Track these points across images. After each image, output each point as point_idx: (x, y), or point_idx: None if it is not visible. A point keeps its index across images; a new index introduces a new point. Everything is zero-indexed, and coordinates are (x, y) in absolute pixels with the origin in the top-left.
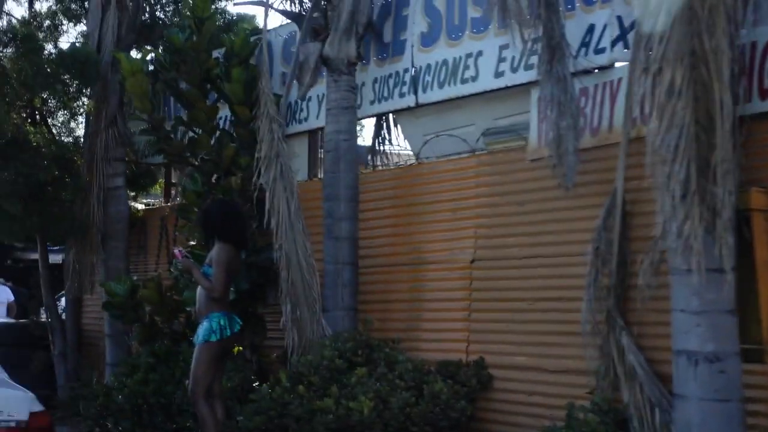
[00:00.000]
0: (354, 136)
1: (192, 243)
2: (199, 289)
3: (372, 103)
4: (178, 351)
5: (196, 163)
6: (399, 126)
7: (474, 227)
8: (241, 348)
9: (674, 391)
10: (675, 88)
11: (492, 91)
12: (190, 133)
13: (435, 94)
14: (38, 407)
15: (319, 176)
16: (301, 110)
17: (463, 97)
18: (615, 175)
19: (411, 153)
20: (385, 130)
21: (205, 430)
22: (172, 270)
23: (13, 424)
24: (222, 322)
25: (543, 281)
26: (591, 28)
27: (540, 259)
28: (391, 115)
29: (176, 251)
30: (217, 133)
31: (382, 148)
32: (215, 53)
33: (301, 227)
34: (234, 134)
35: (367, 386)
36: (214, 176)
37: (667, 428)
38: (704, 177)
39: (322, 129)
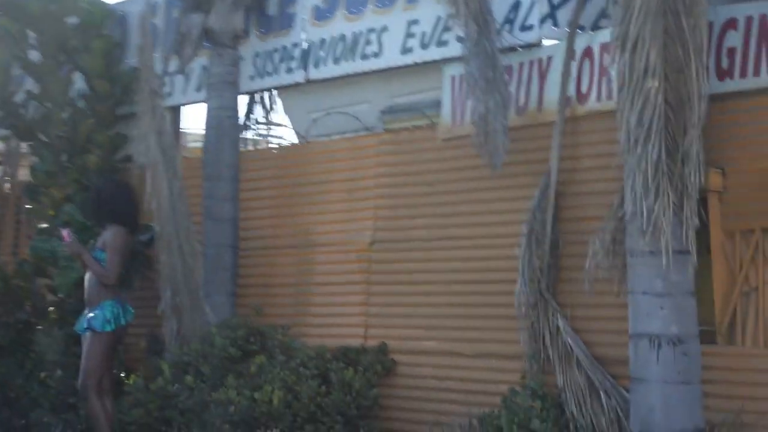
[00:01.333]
0: (236, 113)
1: (44, 226)
2: (89, 276)
3: (252, 78)
4: (29, 341)
5: (48, 140)
6: (280, 103)
7: (374, 209)
8: None
9: (632, 374)
10: (650, 67)
11: (398, 67)
12: (43, 108)
13: (329, 70)
14: None
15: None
16: (163, 85)
17: (361, 74)
18: (543, 156)
19: (293, 131)
20: (260, 108)
21: (96, 427)
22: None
23: None
24: (115, 311)
25: (457, 264)
26: (516, 5)
27: (454, 241)
28: (268, 92)
29: (64, 233)
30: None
31: (258, 126)
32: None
33: (185, 209)
34: (90, 110)
35: (272, 375)
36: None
37: (614, 412)
38: (672, 158)
39: (186, 105)
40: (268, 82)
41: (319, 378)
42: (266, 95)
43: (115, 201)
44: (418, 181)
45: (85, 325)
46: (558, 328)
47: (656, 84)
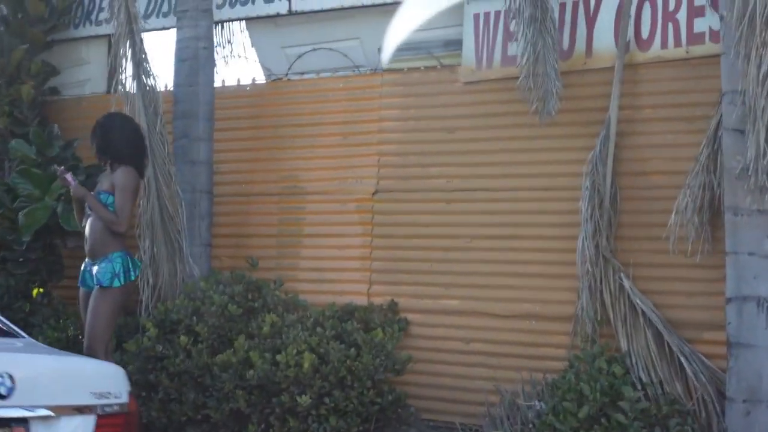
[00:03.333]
0: (212, 44)
1: None
2: (92, 223)
3: (220, 7)
4: None
5: None
6: (249, 36)
7: (377, 155)
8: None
9: (733, 340)
10: None
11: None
12: None
13: (318, 2)
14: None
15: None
16: (100, 10)
17: (351, 8)
18: (590, 104)
19: (262, 68)
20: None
21: None
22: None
23: (116, 408)
24: (125, 263)
25: (485, 217)
26: None
27: (481, 193)
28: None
29: (67, 176)
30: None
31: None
32: None
33: (166, 150)
34: (21, 34)
35: (293, 336)
36: None
37: (696, 378)
38: None
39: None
40: (241, 11)
41: (337, 339)
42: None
43: (124, 138)
44: (433, 126)
45: (94, 281)
46: (622, 288)
47: None
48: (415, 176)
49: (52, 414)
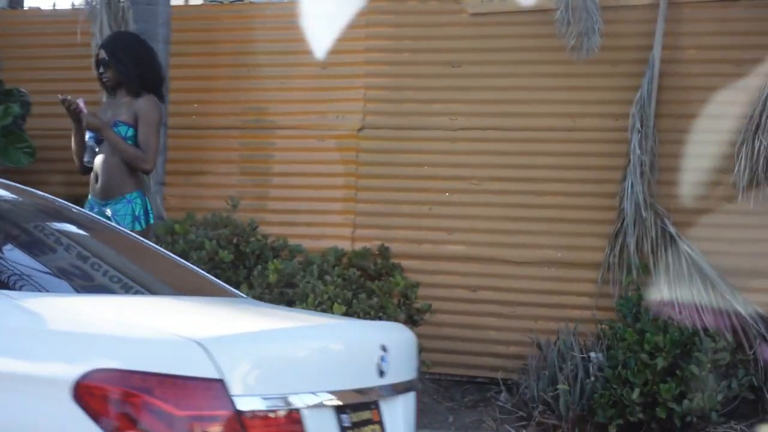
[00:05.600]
0: None
1: None
2: (105, 159)
3: None
4: None
5: None
6: None
7: (363, 88)
8: None
9: None
10: None
11: None
12: None
13: None
14: None
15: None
16: None
17: None
18: (624, 42)
19: None
20: None
21: None
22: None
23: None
24: (145, 204)
25: (494, 158)
26: None
27: (490, 132)
28: None
29: (80, 102)
30: None
31: None
32: None
33: None
34: None
35: (308, 285)
36: None
37: (754, 326)
38: None
39: None
40: None
41: (345, 288)
42: None
43: (149, 62)
44: (434, 59)
45: None
46: (665, 234)
47: None
48: (410, 112)
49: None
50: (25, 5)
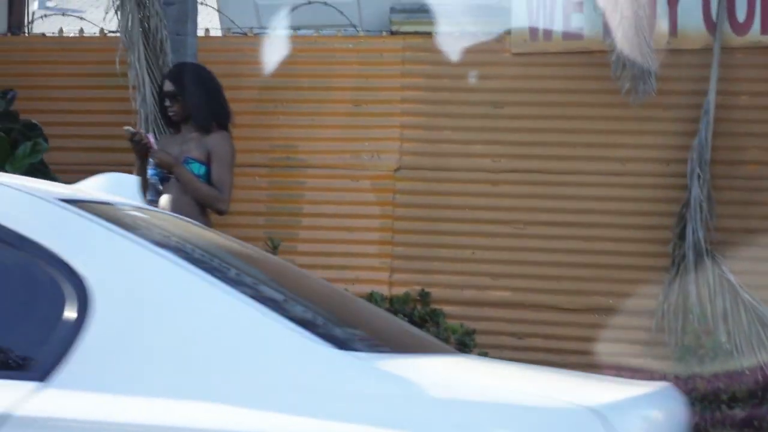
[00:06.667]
0: None
1: None
2: (175, 198)
3: None
4: None
5: None
6: None
7: (399, 127)
8: None
9: None
10: None
11: None
12: None
13: None
14: None
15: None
16: None
17: None
18: (672, 86)
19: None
20: None
21: None
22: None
23: None
24: None
25: (539, 201)
26: None
27: (535, 175)
28: None
29: (150, 138)
30: None
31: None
32: None
33: None
34: None
35: None
36: None
37: None
38: None
39: None
40: None
41: None
42: None
43: (221, 96)
44: (473, 99)
45: None
46: (723, 281)
47: None
48: (450, 153)
49: None
50: (26, 31)
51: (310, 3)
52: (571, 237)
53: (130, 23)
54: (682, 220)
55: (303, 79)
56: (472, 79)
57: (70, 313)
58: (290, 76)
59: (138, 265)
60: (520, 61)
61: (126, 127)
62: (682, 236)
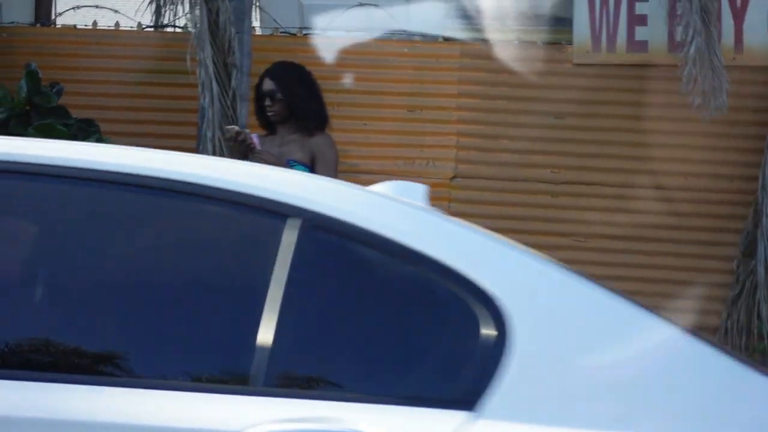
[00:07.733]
0: None
1: None
2: None
3: None
4: None
5: None
6: None
7: (455, 135)
8: None
9: None
10: None
11: None
12: None
13: None
14: None
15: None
16: None
17: None
18: (735, 103)
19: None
20: None
21: None
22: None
23: None
24: None
25: (600, 214)
26: None
27: (597, 188)
28: None
29: (254, 138)
30: None
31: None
32: None
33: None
34: None
35: None
36: None
37: None
38: None
39: None
40: None
41: None
42: None
43: (319, 96)
44: (532, 109)
45: None
46: None
47: None
48: (507, 163)
49: None
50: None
51: (361, 5)
52: (631, 251)
53: (198, 20)
54: (748, 237)
55: (356, 82)
56: (530, 89)
57: (488, 337)
58: (342, 79)
59: (550, 283)
60: (582, 72)
61: (229, 127)
62: (747, 253)
